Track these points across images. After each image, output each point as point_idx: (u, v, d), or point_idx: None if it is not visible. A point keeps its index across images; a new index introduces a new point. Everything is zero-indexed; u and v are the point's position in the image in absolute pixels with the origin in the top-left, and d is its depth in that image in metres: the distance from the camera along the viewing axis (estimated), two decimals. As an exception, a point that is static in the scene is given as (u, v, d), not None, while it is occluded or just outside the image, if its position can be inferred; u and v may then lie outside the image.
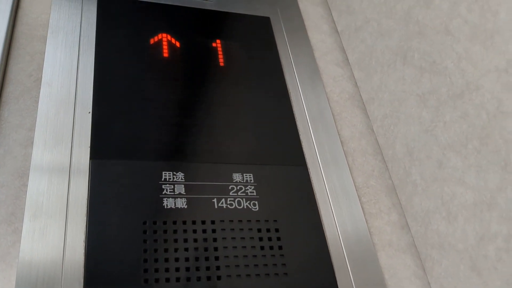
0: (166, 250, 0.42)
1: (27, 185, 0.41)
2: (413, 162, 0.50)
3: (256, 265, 0.43)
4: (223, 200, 0.46)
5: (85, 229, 0.41)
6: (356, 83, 0.62)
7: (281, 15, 0.66)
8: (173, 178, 0.46)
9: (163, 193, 0.45)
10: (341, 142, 0.55)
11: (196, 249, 0.43)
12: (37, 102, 0.46)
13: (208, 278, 0.41)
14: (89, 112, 0.48)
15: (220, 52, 0.59)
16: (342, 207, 0.50)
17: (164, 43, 0.57)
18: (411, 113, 0.50)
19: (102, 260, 0.40)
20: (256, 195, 0.48)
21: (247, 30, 0.63)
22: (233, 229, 0.45)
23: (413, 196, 0.50)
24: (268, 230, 0.46)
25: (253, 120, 0.54)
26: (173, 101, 0.52)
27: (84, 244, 0.40)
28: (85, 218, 0.41)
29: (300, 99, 0.58)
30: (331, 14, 0.69)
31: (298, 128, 0.55)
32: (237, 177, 0.48)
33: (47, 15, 0.54)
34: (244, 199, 0.47)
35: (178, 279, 0.41)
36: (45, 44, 0.50)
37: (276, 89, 0.58)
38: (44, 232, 0.40)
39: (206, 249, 0.43)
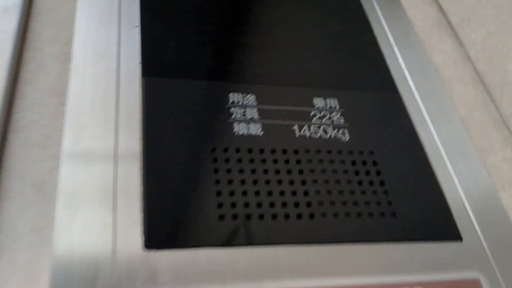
0: (243, 182, 0.33)
1: (64, 104, 0.32)
2: (536, 82, 0.40)
3: (355, 203, 0.34)
4: (306, 127, 0.37)
5: (141, 158, 0.32)
6: (440, 7, 0.52)
7: None
8: (243, 101, 0.37)
9: (232, 117, 0.36)
10: (435, 69, 0.46)
11: (279, 182, 0.34)
12: (74, 15, 0.38)
13: (299, 216, 0.32)
14: (136, 27, 0.39)
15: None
16: (448, 139, 0.40)
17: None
18: (531, 22, 0.40)
19: (165, 193, 0.31)
20: (344, 123, 0.38)
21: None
22: (321, 161, 0.36)
23: (537, 123, 0.40)
24: (364, 163, 0.36)
25: (330, 41, 0.44)
26: (237, 18, 0.43)
27: (142, 169, 0.31)
28: (140, 144, 0.32)
29: (380, 23, 0.48)
30: None
31: (382, 52, 0.45)
32: (319, 102, 0.39)
33: None
34: (331, 127, 0.38)
35: (261, 216, 0.31)
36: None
37: (351, 11, 0.48)
38: (89, 156, 0.31)
39: (291, 182, 0.34)
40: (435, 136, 0.40)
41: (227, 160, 0.33)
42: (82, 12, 0.39)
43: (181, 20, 0.40)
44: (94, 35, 0.38)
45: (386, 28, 0.48)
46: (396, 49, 0.46)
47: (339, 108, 0.39)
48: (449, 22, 0.51)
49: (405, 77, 0.44)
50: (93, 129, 0.32)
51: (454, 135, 0.41)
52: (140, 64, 0.37)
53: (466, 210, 0.36)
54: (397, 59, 0.45)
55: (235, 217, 0.31)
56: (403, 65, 0.44)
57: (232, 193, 0.32)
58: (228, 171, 0.33)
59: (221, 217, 0.31)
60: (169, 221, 0.30)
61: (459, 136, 0.41)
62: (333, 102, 0.39)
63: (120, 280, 0.27)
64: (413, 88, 0.43)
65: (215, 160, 0.33)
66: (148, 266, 0.27)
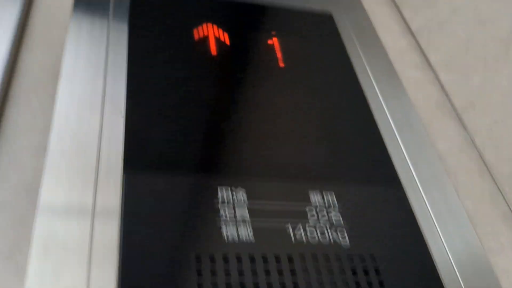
0: (230, 298, 0.29)
1: (35, 205, 0.29)
2: (549, 179, 0.37)
3: (355, 321, 0.30)
4: (301, 227, 0.34)
5: (117, 266, 0.28)
6: (442, 87, 0.50)
7: (345, 12, 0.55)
8: (233, 198, 0.34)
9: (221, 219, 0.33)
10: (439, 158, 0.43)
11: (271, 296, 0.30)
12: (54, 100, 0.35)
13: None
14: (121, 114, 0.36)
15: (277, 50, 0.48)
16: (455, 239, 0.37)
17: (211, 39, 0.46)
18: (541, 114, 0.38)
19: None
20: (342, 222, 0.35)
21: (308, 27, 0.52)
22: (319, 271, 0.32)
23: (551, 224, 0.37)
24: (366, 272, 0.33)
25: (326, 128, 0.42)
26: (227, 104, 0.41)
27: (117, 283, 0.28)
28: (117, 253, 0.29)
29: (381, 105, 0.46)
30: (401, 13, 0.58)
31: (383, 138, 0.43)
32: (315, 196, 0.36)
33: None
34: (327, 227, 0.34)
35: None
36: (66, 32, 0.40)
37: (350, 93, 0.46)
38: (58, 270, 0.27)
39: (285, 298, 0.30)
40: (442, 238, 0.37)
41: (213, 273, 0.30)
42: (62, 96, 0.36)
43: (169, 109, 0.38)
44: (74, 124, 0.35)
45: (387, 111, 0.45)
46: (397, 135, 0.43)
47: (337, 203, 0.36)
48: (452, 105, 0.48)
49: (407, 167, 0.41)
50: (63, 239, 0.29)
51: (461, 235, 0.38)
52: (122, 159, 0.34)
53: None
54: (399, 146, 0.42)
55: None
56: (405, 154, 0.42)
57: (217, 313, 0.28)
58: (214, 285, 0.30)
59: None
60: None
61: (466, 236, 0.38)
62: (330, 197, 0.36)
63: None
64: (417, 180, 0.40)
65: (199, 273, 0.30)
66: None
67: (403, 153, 0.42)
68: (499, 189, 0.42)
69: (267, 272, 0.31)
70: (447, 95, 0.49)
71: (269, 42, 0.49)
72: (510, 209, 0.40)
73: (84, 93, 0.37)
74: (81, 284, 0.27)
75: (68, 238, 0.29)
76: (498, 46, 0.43)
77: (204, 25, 0.46)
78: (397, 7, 0.59)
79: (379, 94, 0.47)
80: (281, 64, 0.46)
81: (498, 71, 0.43)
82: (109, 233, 0.30)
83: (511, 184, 0.40)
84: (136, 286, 0.28)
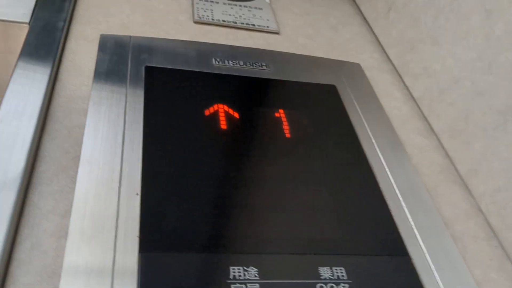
0: None
1: (57, 289, 0.31)
2: (553, 247, 0.38)
3: None
4: (312, 303, 0.35)
5: None
6: (446, 153, 0.52)
7: (347, 82, 0.58)
8: (244, 275, 0.35)
9: (234, 295, 0.34)
10: (445, 224, 0.44)
11: None
12: (74, 183, 0.37)
13: None
14: (137, 194, 0.38)
15: (284, 122, 0.50)
16: (465, 309, 0.38)
17: (221, 114, 0.48)
18: (541, 182, 0.39)
19: None
20: (352, 296, 0.36)
21: (312, 99, 0.55)
22: None
23: (559, 292, 0.37)
24: None
25: (334, 199, 0.43)
26: (237, 179, 0.43)
27: None
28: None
29: (385, 173, 0.47)
30: (402, 80, 0.61)
31: (389, 207, 0.44)
32: (325, 272, 0.37)
33: (87, 87, 0.47)
34: (338, 302, 0.35)
35: None
36: (85, 117, 0.42)
37: (355, 162, 0.48)
38: None
39: None
40: (451, 309, 0.37)
41: None
42: (82, 179, 0.38)
43: (182, 187, 0.40)
44: (92, 205, 0.37)
45: (391, 179, 0.47)
46: (403, 203, 0.45)
47: (347, 278, 0.37)
48: (457, 170, 0.50)
49: (414, 237, 0.42)
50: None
51: (471, 304, 0.38)
52: (138, 238, 0.35)
53: None
54: (405, 216, 0.44)
55: None
56: (412, 223, 0.43)
57: None
58: None
59: None
60: None
61: (476, 305, 0.38)
62: (339, 272, 0.37)
63: None
64: (424, 249, 0.41)
65: None
66: None
67: (409, 222, 0.43)
68: (508, 255, 0.42)
69: None
70: (451, 160, 0.50)
71: (276, 114, 0.51)
72: (518, 276, 0.41)
73: (103, 174, 0.39)
74: None
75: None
76: (496, 117, 0.45)
77: (215, 105, 0.49)
78: (399, 75, 0.62)
79: (383, 162, 0.48)
80: (288, 135, 0.48)
81: (498, 140, 0.44)
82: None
83: (518, 251, 0.41)
84: None
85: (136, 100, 0.46)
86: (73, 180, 0.38)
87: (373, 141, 0.51)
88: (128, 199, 0.38)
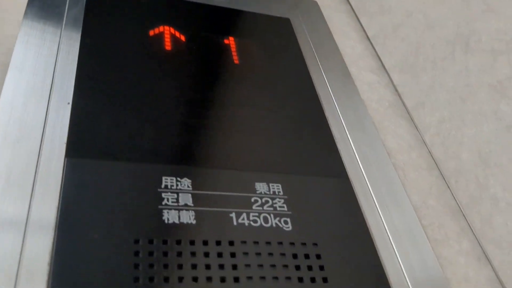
0: (166, 280, 0.29)
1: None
2: (490, 171, 0.38)
3: (293, 304, 0.30)
4: (244, 215, 0.34)
5: (51, 247, 0.28)
6: (395, 90, 0.51)
7: (303, 19, 0.57)
8: (177, 185, 0.34)
9: (163, 203, 0.33)
10: (388, 154, 0.44)
11: (209, 278, 0.30)
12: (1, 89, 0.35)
13: (227, 321, 0.28)
14: (68, 103, 0.36)
15: (233, 50, 0.49)
16: (399, 228, 0.38)
17: (167, 35, 0.47)
18: (482, 109, 0.39)
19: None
20: (287, 211, 0.35)
21: (265, 30, 0.53)
22: (259, 254, 0.32)
23: (493, 215, 0.37)
24: (306, 256, 0.33)
25: (277, 123, 0.42)
26: (179, 98, 0.41)
27: (51, 258, 0.27)
28: (53, 232, 0.29)
29: (333, 105, 0.47)
30: (359, 21, 0.60)
31: (333, 134, 0.43)
32: (261, 187, 0.36)
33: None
34: (272, 215, 0.35)
35: (183, 321, 0.28)
36: (18, 26, 0.40)
37: (303, 92, 0.47)
38: None
39: (223, 280, 0.30)
40: (386, 226, 0.37)
41: (150, 253, 0.30)
42: (9, 85, 0.36)
43: (116, 97, 0.38)
44: (20, 112, 0.35)
45: (338, 110, 0.46)
46: (347, 132, 0.44)
47: (283, 194, 0.36)
48: (404, 105, 0.50)
49: (356, 162, 0.42)
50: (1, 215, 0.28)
51: (406, 225, 0.38)
52: (66, 144, 0.34)
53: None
54: (348, 143, 0.43)
55: (152, 322, 0.27)
56: (354, 149, 0.43)
57: (151, 293, 0.28)
58: (151, 266, 0.29)
59: (135, 323, 0.27)
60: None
61: (411, 226, 0.38)
62: (276, 188, 0.37)
63: None
64: (364, 174, 0.41)
65: (137, 253, 0.30)
66: None
67: (352, 149, 0.43)
68: (447, 183, 0.42)
69: (206, 254, 0.31)
70: (399, 95, 0.50)
71: (226, 41, 0.49)
72: (456, 202, 0.41)
73: (34, 82, 0.37)
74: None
75: (6, 216, 0.29)
76: (445, 47, 0.44)
77: (161, 27, 0.47)
78: (355, 15, 0.61)
79: (331, 93, 0.48)
80: (236, 61, 0.47)
81: (446, 70, 0.44)
82: (46, 214, 0.30)
83: (457, 178, 0.41)
84: (70, 265, 0.28)
85: (77, 13, 0.43)
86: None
87: (323, 74, 0.50)
88: (58, 107, 0.36)
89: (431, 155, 0.45)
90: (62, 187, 0.31)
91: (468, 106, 0.41)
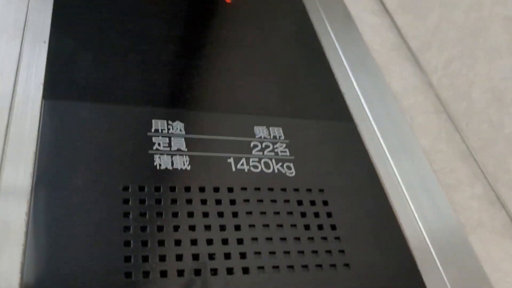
0: (160, 229, 0.26)
1: None
2: (506, 110, 0.35)
3: (301, 252, 0.28)
4: (244, 160, 0.31)
5: (29, 200, 0.25)
6: (399, 31, 0.48)
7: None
8: (168, 129, 0.31)
9: (154, 148, 0.29)
10: (393, 97, 0.41)
11: (207, 227, 0.27)
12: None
13: (229, 271, 0.26)
14: (45, 42, 0.33)
15: (225, -11, 0.45)
16: (410, 174, 0.35)
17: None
18: (498, 43, 0.36)
19: (58, 248, 0.24)
20: (289, 156, 0.32)
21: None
22: (261, 201, 0.29)
23: (508, 157, 0.35)
24: (312, 203, 0.31)
25: (278, 66, 0.39)
26: (168, 38, 0.37)
27: (27, 218, 0.24)
28: (31, 180, 0.26)
29: (334, 46, 0.43)
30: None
31: (336, 78, 0.40)
32: (261, 131, 0.33)
33: None
34: (273, 160, 0.32)
35: (180, 272, 0.25)
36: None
37: (302, 33, 0.44)
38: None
39: (223, 228, 0.27)
40: (396, 172, 0.34)
41: (142, 201, 0.27)
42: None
43: (98, 35, 0.34)
44: (-11, 51, 0.31)
45: (341, 53, 0.43)
46: (351, 75, 0.41)
47: (284, 138, 0.33)
48: (409, 47, 0.46)
49: (361, 106, 0.39)
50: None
51: (416, 170, 0.36)
52: (43, 85, 0.30)
53: (431, 255, 0.31)
54: (352, 86, 0.40)
55: (146, 274, 0.24)
56: (359, 93, 0.40)
57: (144, 243, 0.25)
58: (142, 214, 0.26)
59: (128, 275, 0.24)
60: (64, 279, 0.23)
61: (422, 171, 0.36)
62: (277, 132, 0.34)
63: None
64: (370, 118, 0.38)
65: (126, 201, 0.27)
66: None
67: (356, 92, 0.40)
68: (456, 127, 0.40)
69: (204, 202, 0.28)
70: (403, 37, 0.47)
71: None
72: (466, 146, 0.39)
73: (4, 18, 0.33)
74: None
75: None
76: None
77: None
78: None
79: (332, 35, 0.44)
80: (228, 0, 0.43)
81: (454, 5, 0.40)
82: (22, 162, 0.26)
83: (468, 120, 0.38)
84: (49, 218, 0.25)
85: None
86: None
87: (323, 15, 0.46)
88: (33, 46, 0.32)
89: (439, 98, 0.42)
90: (40, 131, 0.28)
91: (480, 42, 0.38)
